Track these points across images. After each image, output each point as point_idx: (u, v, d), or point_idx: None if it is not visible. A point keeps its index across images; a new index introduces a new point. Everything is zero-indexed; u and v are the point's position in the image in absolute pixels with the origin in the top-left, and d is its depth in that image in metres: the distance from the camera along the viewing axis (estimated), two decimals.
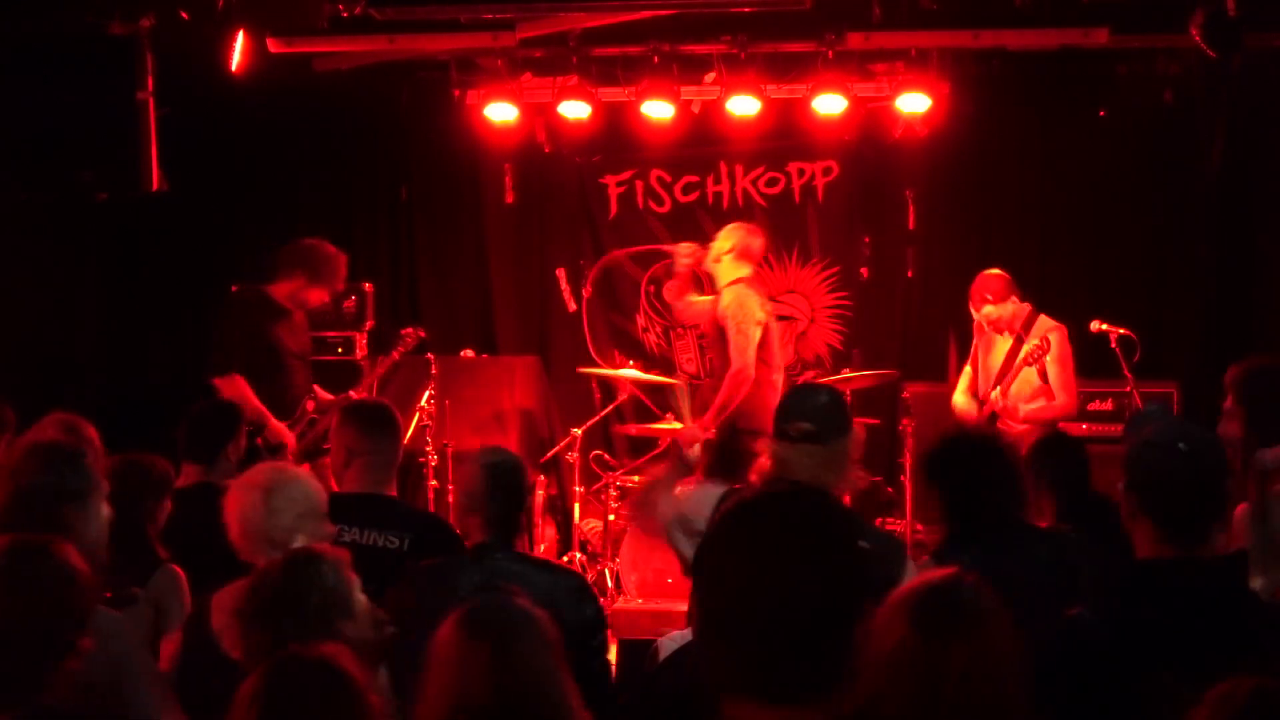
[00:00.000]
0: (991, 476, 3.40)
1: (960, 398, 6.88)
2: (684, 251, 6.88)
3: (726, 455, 6.33)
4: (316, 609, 2.70)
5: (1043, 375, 6.44)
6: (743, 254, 6.71)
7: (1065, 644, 2.63)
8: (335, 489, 4.29)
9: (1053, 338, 6.40)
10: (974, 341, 6.91)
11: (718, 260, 6.71)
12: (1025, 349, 6.38)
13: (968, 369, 6.92)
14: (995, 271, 6.73)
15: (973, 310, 6.71)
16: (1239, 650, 2.53)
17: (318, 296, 6.33)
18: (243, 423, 4.92)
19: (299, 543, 3.32)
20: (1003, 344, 6.62)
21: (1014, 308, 6.60)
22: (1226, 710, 1.98)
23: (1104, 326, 6.64)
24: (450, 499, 7.44)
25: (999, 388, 6.49)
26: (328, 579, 2.77)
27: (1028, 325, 6.53)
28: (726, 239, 6.74)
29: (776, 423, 3.66)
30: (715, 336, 6.69)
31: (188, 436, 4.76)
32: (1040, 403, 6.47)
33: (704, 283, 7.02)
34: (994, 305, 6.58)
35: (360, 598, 2.81)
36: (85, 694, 2.82)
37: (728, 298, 6.60)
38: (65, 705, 2.58)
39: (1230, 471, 2.78)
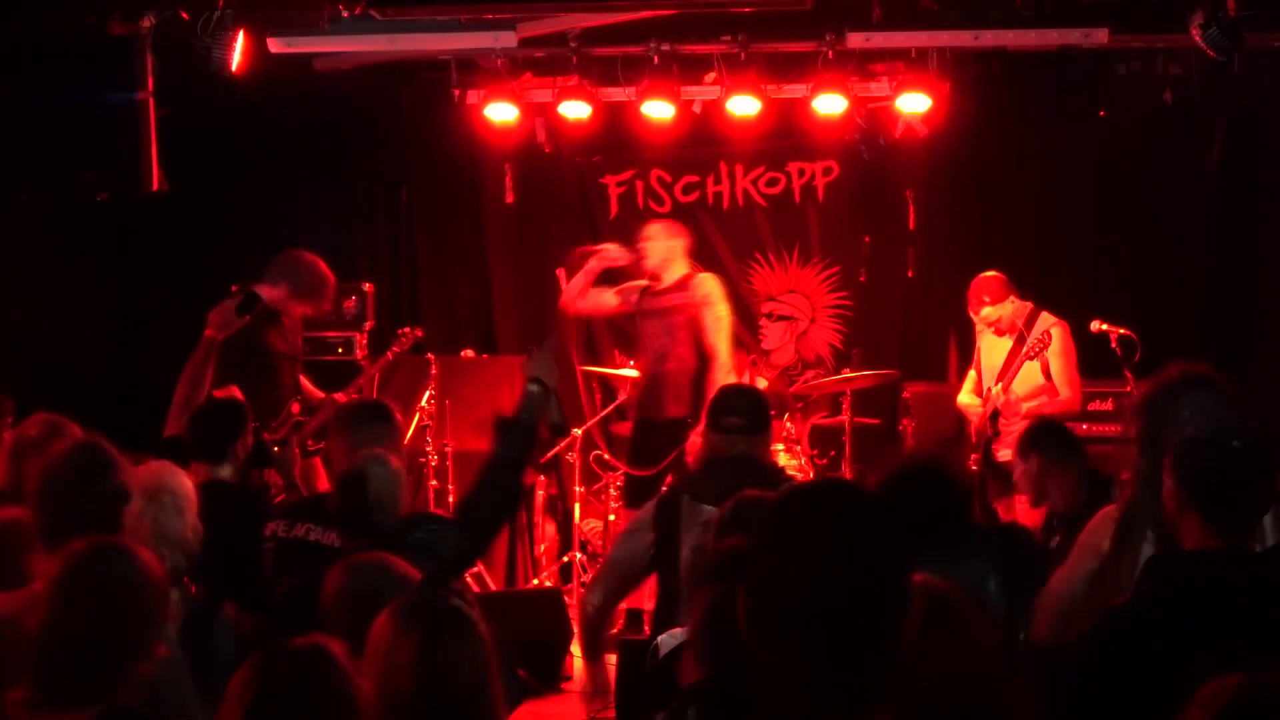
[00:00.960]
0: (937, 505, 3.39)
1: (965, 397, 6.87)
2: (614, 253, 6.80)
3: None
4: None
5: (1045, 372, 6.43)
6: (686, 251, 6.81)
7: (1107, 631, 2.63)
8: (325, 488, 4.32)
9: (1054, 332, 6.40)
10: (976, 343, 6.90)
11: (670, 258, 6.70)
12: (1031, 339, 6.38)
13: (972, 372, 6.91)
14: (991, 273, 6.74)
15: (971, 314, 6.71)
16: None
17: (300, 310, 6.33)
18: (249, 419, 4.92)
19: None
20: (1003, 344, 6.62)
21: (1013, 307, 6.60)
22: (1216, 706, 1.99)
23: (1104, 326, 6.64)
24: (451, 499, 7.45)
25: (1000, 384, 6.50)
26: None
27: (1029, 322, 6.52)
28: (673, 236, 6.77)
29: (712, 416, 4.30)
30: (679, 323, 6.59)
31: (195, 435, 4.76)
32: (1043, 400, 6.46)
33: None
34: (992, 306, 6.58)
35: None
36: (152, 694, 2.85)
37: (710, 285, 6.63)
38: (141, 706, 2.60)
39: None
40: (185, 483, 3.49)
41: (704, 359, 6.54)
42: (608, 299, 6.86)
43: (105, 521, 3.16)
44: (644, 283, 6.76)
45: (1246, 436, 2.74)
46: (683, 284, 6.64)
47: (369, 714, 2.32)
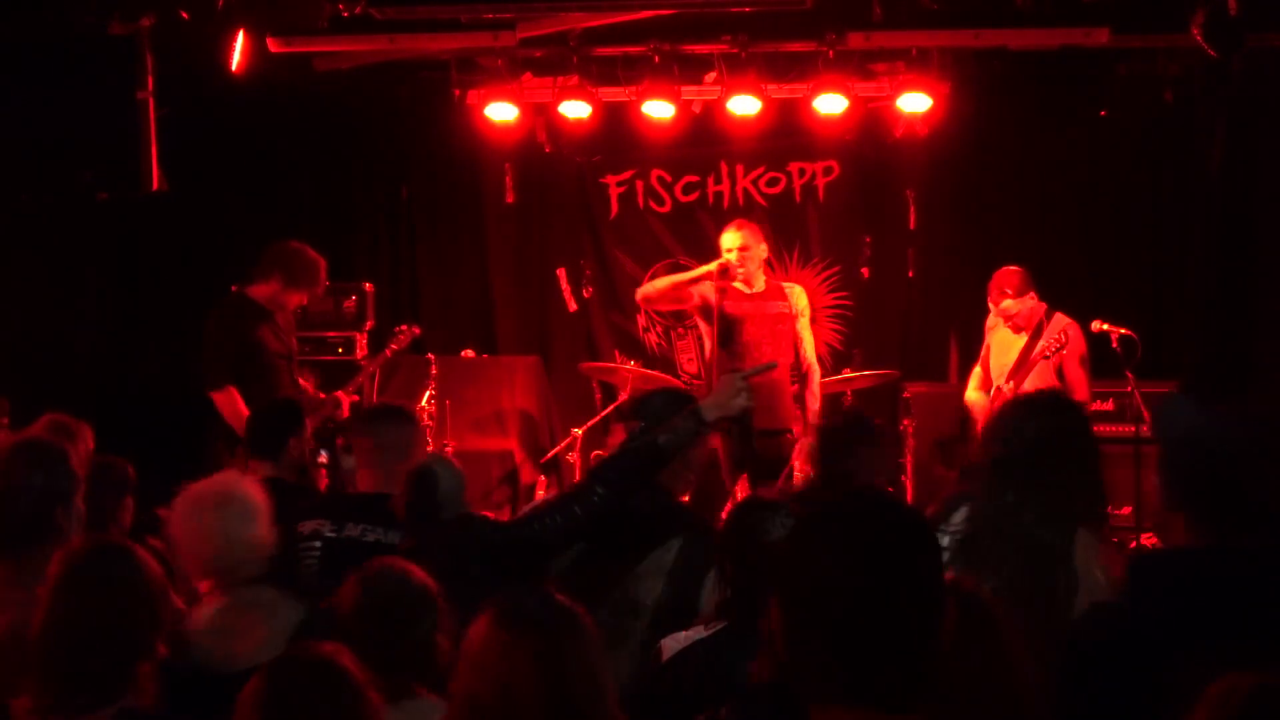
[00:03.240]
0: None
1: (973, 394, 6.81)
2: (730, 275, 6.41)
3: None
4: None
5: (1058, 373, 6.41)
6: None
7: (1095, 629, 2.63)
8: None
9: (1071, 333, 6.39)
10: (984, 340, 6.86)
11: (760, 262, 6.56)
12: (1043, 342, 6.35)
13: (977, 370, 6.88)
14: (1013, 267, 6.69)
15: (991, 305, 6.65)
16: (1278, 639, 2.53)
17: (295, 299, 6.30)
18: (305, 417, 4.92)
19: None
20: (1016, 341, 6.59)
21: (1032, 303, 6.58)
22: (1226, 708, 1.97)
23: (1105, 327, 6.63)
24: None
25: (1012, 382, 6.45)
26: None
27: (1045, 322, 6.51)
28: (760, 239, 6.56)
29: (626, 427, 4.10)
30: (784, 331, 6.46)
31: (252, 434, 4.78)
32: None
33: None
34: (1013, 299, 6.54)
35: None
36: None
37: (804, 296, 6.63)
38: (149, 706, 2.59)
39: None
40: (253, 490, 3.43)
41: (801, 370, 6.53)
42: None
43: (39, 519, 3.15)
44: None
45: (1242, 434, 2.74)
46: (782, 292, 6.53)
47: None
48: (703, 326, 6.56)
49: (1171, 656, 2.50)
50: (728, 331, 6.37)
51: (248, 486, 3.44)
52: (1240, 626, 2.54)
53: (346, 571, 3.18)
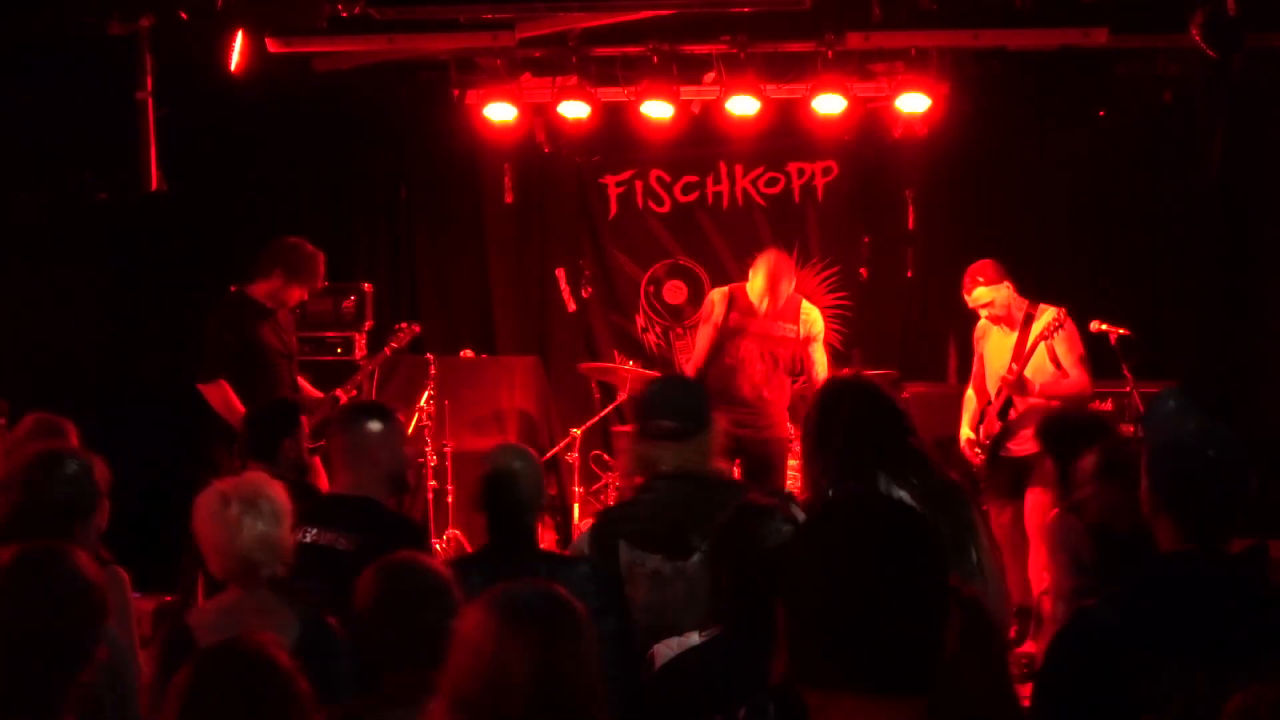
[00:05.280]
0: None
1: (966, 433, 6.73)
2: None
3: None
4: None
5: (1054, 360, 6.35)
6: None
7: (1080, 633, 2.64)
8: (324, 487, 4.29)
9: (1065, 318, 6.33)
10: (976, 350, 6.76)
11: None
12: (1039, 325, 6.28)
13: (970, 395, 6.73)
14: (985, 260, 6.58)
15: (966, 297, 6.53)
16: (1260, 644, 2.53)
17: (297, 295, 6.30)
18: (301, 418, 4.92)
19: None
20: (1005, 339, 6.50)
21: (1008, 292, 6.48)
22: (1252, 718, 1.97)
23: (1104, 326, 6.60)
24: (450, 500, 7.45)
25: (1015, 365, 6.34)
26: None
27: (1028, 316, 6.43)
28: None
29: (638, 420, 3.67)
30: (783, 351, 6.85)
31: (248, 435, 4.78)
32: (1056, 376, 6.37)
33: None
34: (986, 286, 6.41)
35: None
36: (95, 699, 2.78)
37: (819, 319, 6.97)
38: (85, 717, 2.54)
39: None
40: (281, 493, 3.39)
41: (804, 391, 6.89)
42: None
43: (54, 534, 3.14)
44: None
45: (1225, 442, 2.75)
46: (795, 314, 6.90)
47: (311, 715, 2.26)
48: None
49: (1155, 661, 2.51)
50: (722, 343, 6.70)
51: (276, 488, 3.41)
52: (1222, 632, 2.55)
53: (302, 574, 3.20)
